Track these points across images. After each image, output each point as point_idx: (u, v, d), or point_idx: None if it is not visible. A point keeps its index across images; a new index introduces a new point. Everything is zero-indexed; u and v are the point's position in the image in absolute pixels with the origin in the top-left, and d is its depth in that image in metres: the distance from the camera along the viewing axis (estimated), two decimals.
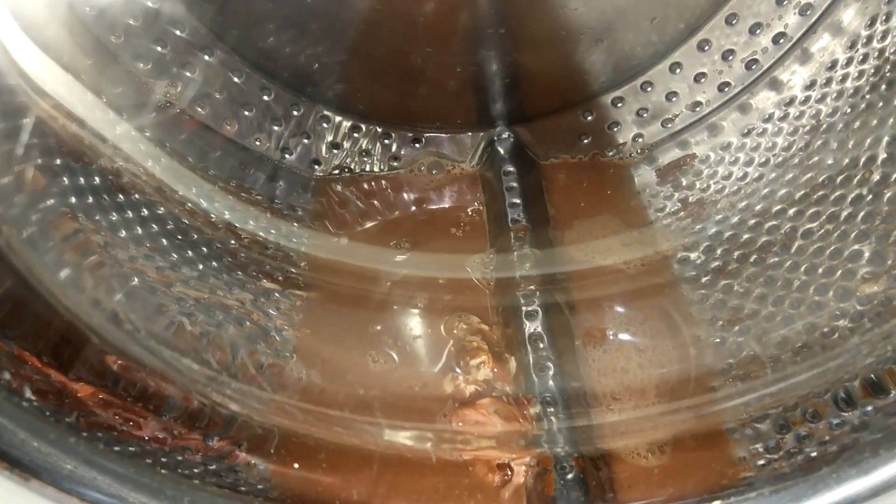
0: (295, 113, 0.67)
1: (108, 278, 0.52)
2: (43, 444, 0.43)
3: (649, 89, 0.70)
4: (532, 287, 0.63)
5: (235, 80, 0.62)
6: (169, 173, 0.55)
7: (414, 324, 0.62)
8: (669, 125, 0.71)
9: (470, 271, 0.64)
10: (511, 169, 0.70)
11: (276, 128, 0.65)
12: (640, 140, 0.71)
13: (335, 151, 0.70)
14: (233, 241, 0.58)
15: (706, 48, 0.67)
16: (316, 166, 0.70)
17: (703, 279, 0.61)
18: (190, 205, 0.57)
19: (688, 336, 0.61)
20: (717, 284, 0.61)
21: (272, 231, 0.61)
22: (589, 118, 0.71)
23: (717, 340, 0.59)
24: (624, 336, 0.62)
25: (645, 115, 0.71)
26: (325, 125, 0.69)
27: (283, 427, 0.53)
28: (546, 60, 0.67)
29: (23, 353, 0.46)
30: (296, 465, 0.52)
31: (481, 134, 0.71)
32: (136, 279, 0.53)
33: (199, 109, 0.61)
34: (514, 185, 0.70)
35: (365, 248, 0.64)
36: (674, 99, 0.70)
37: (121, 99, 0.54)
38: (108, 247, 0.52)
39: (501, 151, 0.71)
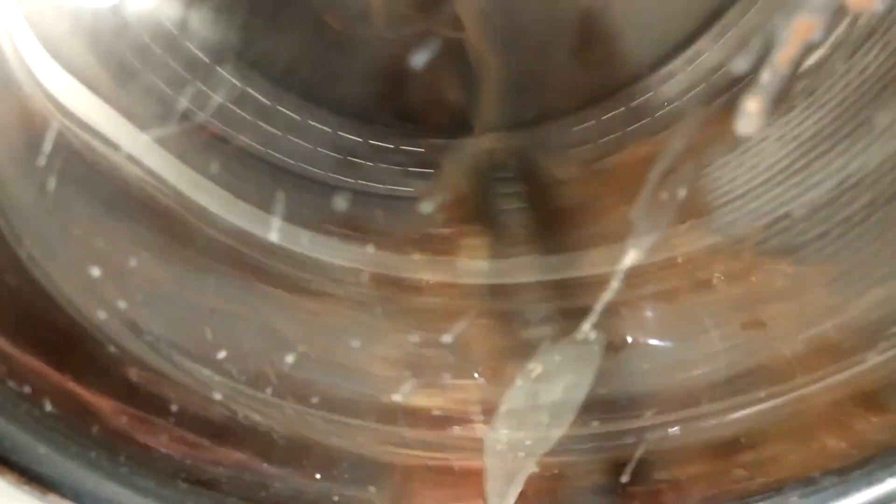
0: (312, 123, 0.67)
1: (128, 288, 0.52)
2: (63, 457, 0.44)
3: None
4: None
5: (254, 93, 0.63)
6: (187, 183, 0.56)
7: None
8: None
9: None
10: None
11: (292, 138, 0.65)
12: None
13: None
14: (245, 249, 0.58)
15: None
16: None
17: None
18: (209, 215, 0.58)
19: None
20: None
21: (291, 239, 0.61)
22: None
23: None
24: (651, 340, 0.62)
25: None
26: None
27: (305, 437, 0.53)
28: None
29: (43, 366, 0.46)
30: (317, 476, 0.52)
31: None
32: (156, 288, 0.53)
33: (218, 122, 0.61)
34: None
35: (388, 256, 0.65)
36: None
37: (140, 112, 0.55)
38: (126, 256, 0.52)
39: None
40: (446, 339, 0.58)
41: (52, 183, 0.50)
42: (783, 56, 0.48)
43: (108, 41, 0.55)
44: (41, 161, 0.49)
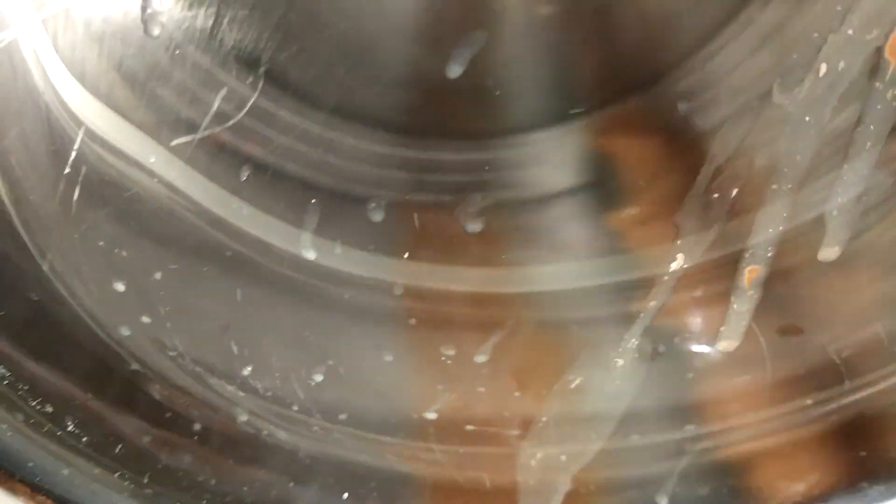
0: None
1: (152, 303, 0.51)
2: (88, 479, 0.43)
3: None
4: None
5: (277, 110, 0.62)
6: (213, 199, 0.55)
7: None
8: None
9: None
10: None
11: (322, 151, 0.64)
12: None
13: None
14: (273, 264, 0.57)
15: None
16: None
17: None
18: (235, 230, 0.57)
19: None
20: None
21: (322, 254, 0.60)
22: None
23: None
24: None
25: None
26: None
27: (332, 455, 0.52)
28: None
29: (65, 384, 0.46)
30: (345, 496, 0.51)
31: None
32: (180, 303, 0.53)
33: (244, 137, 0.60)
34: None
35: (424, 267, 0.63)
36: None
37: (163, 128, 0.54)
38: (150, 270, 0.52)
39: None
40: (481, 357, 0.57)
41: (75, 197, 0.50)
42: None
43: (132, 58, 0.55)
44: (64, 175, 0.49)
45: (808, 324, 0.56)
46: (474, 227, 0.63)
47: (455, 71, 0.60)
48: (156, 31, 0.54)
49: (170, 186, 0.54)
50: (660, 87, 0.65)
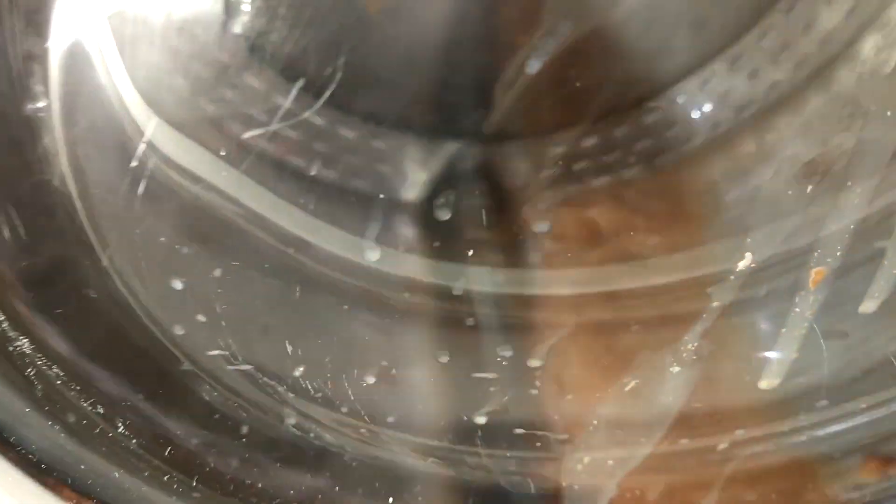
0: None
1: (209, 302, 0.51)
2: (137, 482, 0.44)
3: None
4: None
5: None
6: (270, 209, 0.55)
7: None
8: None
9: None
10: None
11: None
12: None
13: None
14: (320, 263, 0.57)
15: None
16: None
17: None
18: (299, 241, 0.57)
19: None
20: None
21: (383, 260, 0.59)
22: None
23: None
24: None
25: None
26: None
27: (377, 458, 0.53)
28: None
29: (116, 385, 0.46)
30: (390, 500, 0.51)
31: None
32: (236, 303, 0.53)
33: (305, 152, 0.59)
34: None
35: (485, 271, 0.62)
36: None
37: (217, 141, 0.54)
38: (207, 269, 0.52)
39: None
40: (535, 362, 0.56)
41: (140, 191, 0.49)
42: None
43: (198, 58, 0.54)
44: (130, 169, 0.49)
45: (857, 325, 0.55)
46: (542, 226, 0.62)
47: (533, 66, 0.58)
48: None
49: (228, 198, 0.53)
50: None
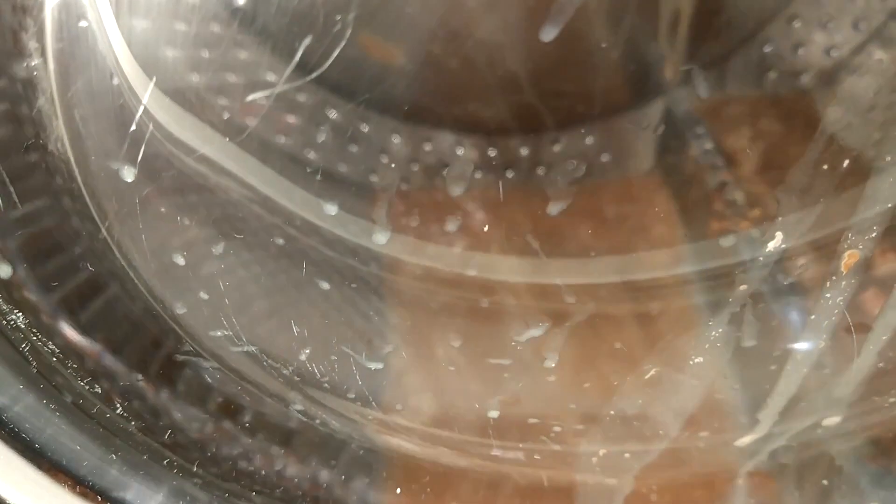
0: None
1: (212, 278, 0.50)
2: (135, 466, 0.42)
3: None
4: None
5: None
6: (274, 188, 0.53)
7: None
8: None
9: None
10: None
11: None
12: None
13: None
14: (328, 246, 0.55)
15: None
16: None
17: None
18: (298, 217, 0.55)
19: None
20: None
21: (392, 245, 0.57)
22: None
23: None
24: None
25: None
26: None
27: (385, 447, 0.51)
28: None
29: (116, 363, 0.44)
30: (398, 490, 0.49)
31: None
32: (240, 279, 0.51)
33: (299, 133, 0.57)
34: None
35: (497, 259, 0.60)
36: None
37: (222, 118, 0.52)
38: (210, 243, 0.50)
39: None
40: (551, 351, 0.54)
41: (139, 157, 0.47)
42: None
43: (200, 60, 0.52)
44: (129, 133, 0.47)
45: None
46: (558, 206, 0.60)
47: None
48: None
49: (229, 172, 0.51)
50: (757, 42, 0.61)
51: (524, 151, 0.58)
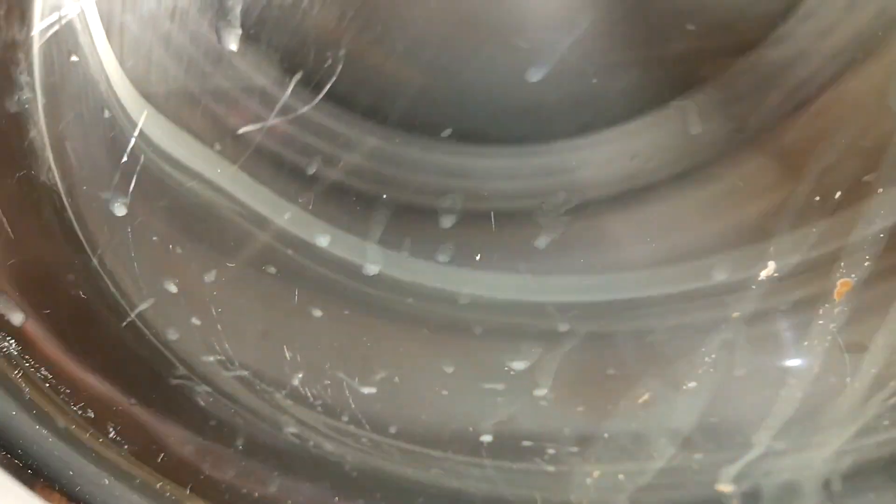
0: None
1: (203, 304, 0.50)
2: (127, 489, 0.43)
3: None
4: None
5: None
6: (267, 207, 0.54)
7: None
8: None
9: None
10: None
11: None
12: None
13: None
14: (321, 267, 0.56)
15: None
16: None
17: None
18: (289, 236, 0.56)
19: None
20: None
21: (386, 263, 0.58)
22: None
23: None
24: None
25: None
26: None
27: (378, 468, 0.51)
28: None
29: (109, 388, 0.45)
30: None
31: None
32: (232, 305, 0.51)
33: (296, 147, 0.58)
34: None
35: (494, 275, 0.61)
36: None
37: (214, 136, 0.53)
38: (201, 271, 0.51)
39: None
40: (544, 374, 0.55)
41: (130, 188, 0.48)
42: None
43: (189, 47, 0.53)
44: (121, 165, 0.47)
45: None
46: (551, 233, 0.60)
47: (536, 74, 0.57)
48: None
49: (222, 189, 0.52)
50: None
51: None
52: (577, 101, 0.59)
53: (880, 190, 0.55)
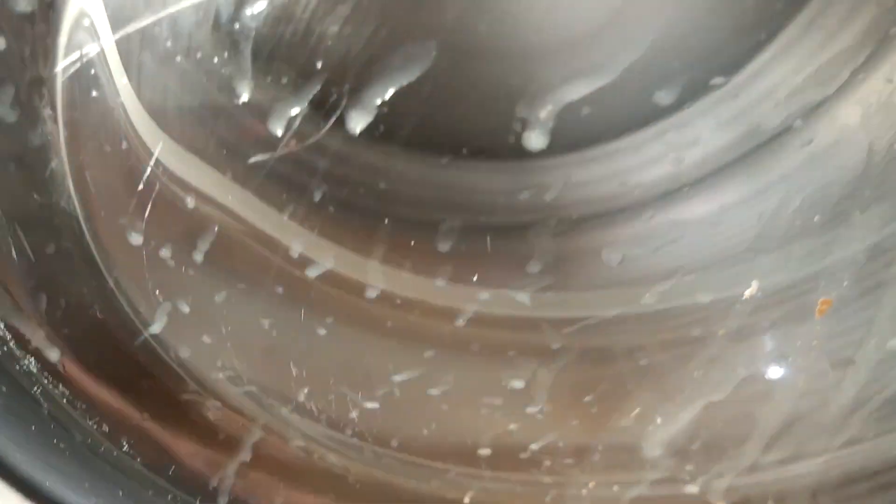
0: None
1: (214, 323, 0.52)
2: (140, 501, 0.45)
3: None
4: None
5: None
6: (271, 224, 0.56)
7: None
8: None
9: None
10: None
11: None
12: None
13: None
14: (325, 285, 0.58)
15: None
16: None
17: None
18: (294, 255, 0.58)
19: None
20: None
21: (386, 280, 0.60)
22: None
23: None
24: None
25: None
26: None
27: (381, 480, 0.53)
28: None
29: (122, 403, 0.47)
30: None
31: None
32: (241, 324, 0.53)
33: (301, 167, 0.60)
34: None
35: (493, 293, 0.63)
36: None
37: (221, 156, 0.55)
38: (213, 291, 0.53)
39: None
40: (541, 395, 0.56)
41: (146, 214, 0.50)
42: None
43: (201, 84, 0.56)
44: (137, 192, 0.50)
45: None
46: (544, 252, 0.62)
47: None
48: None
49: (233, 214, 0.54)
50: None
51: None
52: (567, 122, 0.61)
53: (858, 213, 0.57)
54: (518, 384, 0.57)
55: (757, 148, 0.61)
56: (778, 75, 0.58)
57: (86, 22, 0.48)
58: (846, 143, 0.58)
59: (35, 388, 0.44)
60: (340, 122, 0.54)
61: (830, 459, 0.51)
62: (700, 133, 0.63)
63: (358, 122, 0.55)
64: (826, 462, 0.52)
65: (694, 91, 0.60)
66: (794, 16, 0.58)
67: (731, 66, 0.60)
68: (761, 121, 0.62)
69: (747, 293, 0.59)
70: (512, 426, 0.57)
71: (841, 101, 0.57)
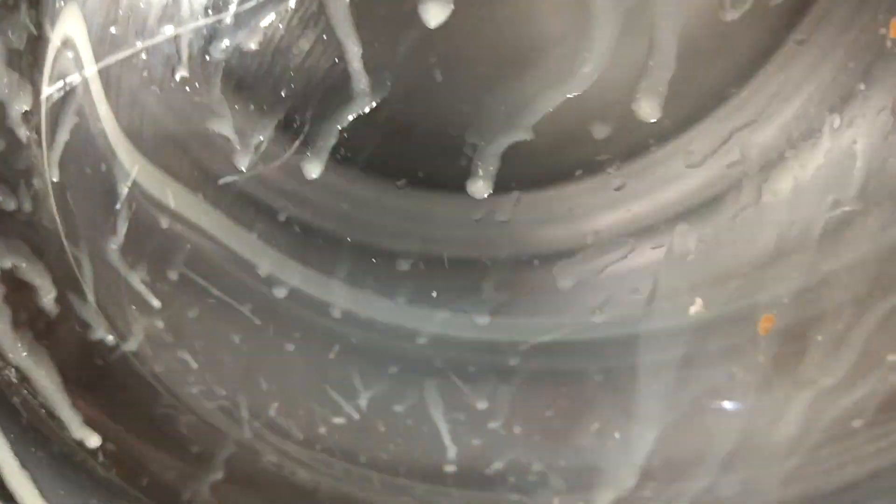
0: None
1: (188, 338, 0.54)
2: None
3: None
4: None
5: None
6: (240, 243, 0.58)
7: None
8: None
9: None
10: None
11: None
12: None
13: None
14: (293, 304, 0.60)
15: None
16: None
17: None
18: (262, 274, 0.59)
19: None
20: None
21: (351, 301, 0.62)
22: None
23: None
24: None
25: None
26: None
27: (350, 495, 0.54)
28: None
29: (99, 415, 0.48)
30: None
31: None
32: (214, 338, 0.55)
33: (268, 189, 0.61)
34: None
35: (453, 316, 0.64)
36: None
37: (194, 177, 0.58)
38: (186, 307, 0.55)
39: None
40: (502, 411, 0.58)
41: (123, 232, 0.52)
42: None
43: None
44: (115, 212, 0.51)
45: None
46: (499, 281, 0.63)
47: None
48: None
49: (205, 233, 0.56)
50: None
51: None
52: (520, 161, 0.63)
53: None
54: (480, 402, 0.59)
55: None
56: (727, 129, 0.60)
57: (69, 54, 0.50)
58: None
59: (15, 399, 0.46)
60: (304, 146, 0.57)
61: (789, 478, 0.53)
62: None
63: (320, 147, 0.57)
64: (785, 480, 0.53)
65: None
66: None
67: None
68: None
69: (693, 310, 0.60)
70: (476, 441, 0.58)
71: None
